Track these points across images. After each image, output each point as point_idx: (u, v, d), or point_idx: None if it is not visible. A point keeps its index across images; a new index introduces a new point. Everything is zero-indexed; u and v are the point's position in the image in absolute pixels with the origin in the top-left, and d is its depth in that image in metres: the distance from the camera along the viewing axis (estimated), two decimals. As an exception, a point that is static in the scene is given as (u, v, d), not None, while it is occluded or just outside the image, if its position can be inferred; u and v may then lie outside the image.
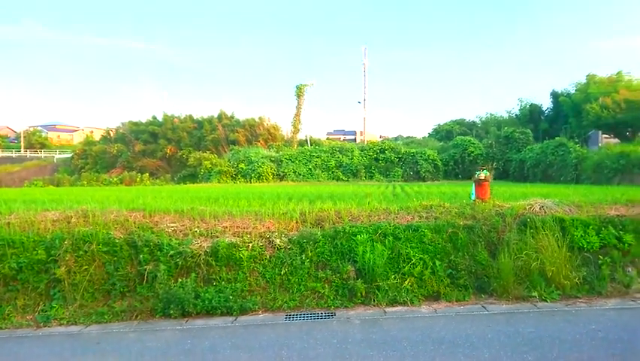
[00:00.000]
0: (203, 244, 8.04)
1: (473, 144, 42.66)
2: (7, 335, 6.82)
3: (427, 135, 74.45)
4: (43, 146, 73.63)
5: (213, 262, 7.79)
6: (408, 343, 5.75)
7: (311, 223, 8.78)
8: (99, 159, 54.15)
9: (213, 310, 7.27)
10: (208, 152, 47.27)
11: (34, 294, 7.62)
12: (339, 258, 8.07)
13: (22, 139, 74.45)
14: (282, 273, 7.88)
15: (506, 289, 7.59)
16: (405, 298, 7.54)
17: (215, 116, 56.29)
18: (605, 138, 50.17)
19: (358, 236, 8.19)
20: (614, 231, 8.30)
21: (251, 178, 39.60)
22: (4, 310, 7.40)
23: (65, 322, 7.25)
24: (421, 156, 42.08)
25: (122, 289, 7.67)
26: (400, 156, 42.67)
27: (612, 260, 7.98)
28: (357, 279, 7.76)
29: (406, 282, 7.80)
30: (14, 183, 45.76)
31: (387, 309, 7.31)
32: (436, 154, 42.72)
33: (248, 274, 7.81)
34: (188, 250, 7.82)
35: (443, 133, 69.53)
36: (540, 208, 8.97)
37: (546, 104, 63.17)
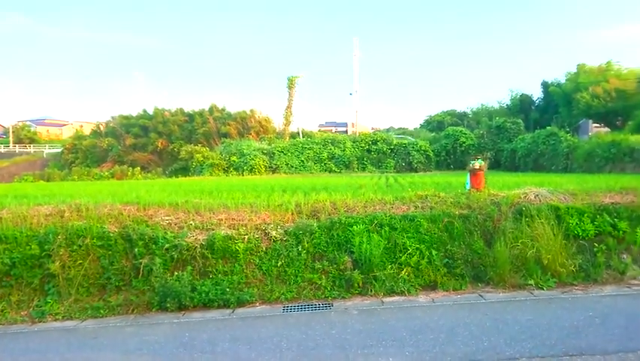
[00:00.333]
0: (199, 236, 7.99)
1: (465, 134, 42.75)
2: (1, 331, 6.75)
3: (418, 126, 74.62)
4: (32, 141, 72.86)
5: (209, 255, 7.75)
6: (407, 332, 5.75)
7: (306, 215, 8.75)
8: (89, 154, 53.74)
9: (210, 303, 7.23)
10: (199, 145, 47.02)
11: (29, 289, 7.55)
12: (335, 249, 8.05)
13: (10, 134, 73.61)
14: (278, 265, 7.85)
15: (503, 277, 7.61)
16: (402, 288, 7.55)
17: (207, 109, 56.02)
18: (596, 127, 50.42)
19: (354, 227, 8.17)
20: (608, 218, 8.34)
21: (243, 171, 39.46)
22: (-2, 306, 7.33)
23: (61, 317, 7.19)
24: (413, 147, 42.13)
25: (117, 284, 7.62)
26: (392, 147, 42.68)
27: (607, 247, 8.02)
28: (354, 270, 7.75)
29: (403, 272, 7.80)
30: (3, 179, 45.23)
31: (384, 299, 7.31)
32: (427, 145, 42.79)
33: (244, 267, 7.78)
34: (184, 243, 7.77)
35: (435, 124, 69.70)
36: (535, 197, 8.99)
37: (536, 94, 63.45)
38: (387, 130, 72.08)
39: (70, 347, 5.99)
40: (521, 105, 63.20)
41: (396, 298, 7.35)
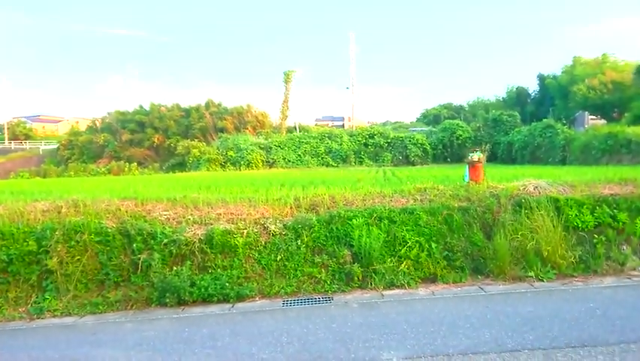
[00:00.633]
0: (198, 231, 7.95)
1: (461, 127, 42.78)
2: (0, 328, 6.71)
3: (414, 120, 74.57)
4: (27, 137, 72.60)
5: (208, 250, 7.71)
6: (408, 325, 5.73)
7: (305, 209, 8.71)
8: (86, 150, 53.58)
9: (210, 297, 7.20)
10: (196, 140, 46.88)
11: (26, 286, 7.50)
12: (335, 242, 8.02)
13: (5, 130, 73.28)
14: (278, 259, 7.82)
15: (503, 269, 7.60)
16: (402, 281, 7.53)
17: (203, 104, 55.84)
18: (592, 119, 50.49)
19: (354, 220, 8.14)
20: (608, 210, 8.32)
21: (240, 166, 39.43)
22: (-4, 302, 7.28)
23: (59, 313, 7.15)
24: (410, 141, 42.13)
25: (116, 279, 7.57)
26: (389, 140, 42.68)
27: (607, 239, 8.01)
28: (354, 263, 7.72)
29: (403, 265, 7.78)
30: (-1, 176, 45.07)
31: (384, 292, 7.29)
32: (424, 138, 42.80)
33: (243, 261, 7.74)
34: (182, 238, 7.73)
35: (431, 117, 69.63)
36: (534, 189, 8.97)
37: (532, 87, 63.55)
38: (384, 124, 72.02)
39: (69, 344, 5.95)
40: (517, 98, 63.29)
41: (396, 291, 7.34)
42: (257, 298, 7.34)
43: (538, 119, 39.58)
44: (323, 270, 7.74)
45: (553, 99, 56.19)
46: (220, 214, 8.43)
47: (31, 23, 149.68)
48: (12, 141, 69.18)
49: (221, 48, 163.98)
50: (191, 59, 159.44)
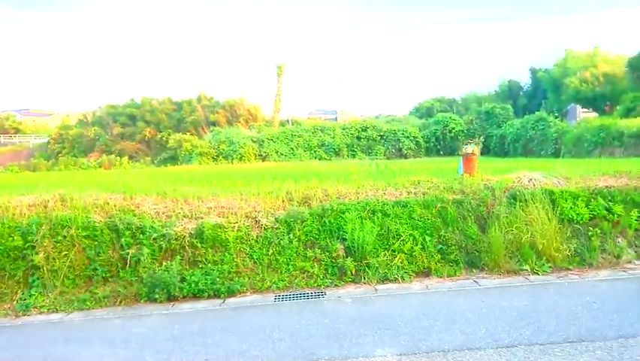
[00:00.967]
0: (188, 225, 7.80)
1: (454, 120, 42.79)
2: (-16, 326, 6.54)
3: (407, 113, 74.39)
4: (17, 131, 71.73)
5: (198, 244, 7.56)
6: (402, 320, 5.62)
7: (298, 202, 8.57)
8: (76, 143, 53.03)
9: (200, 293, 7.05)
10: (188, 133, 46.53)
11: (12, 282, 7.32)
12: (327, 236, 7.90)
13: (-6, 124, 72.39)
14: (269, 253, 7.68)
15: (497, 263, 7.51)
16: (396, 275, 7.41)
17: (195, 97, 55.45)
18: (584, 112, 50.67)
19: (347, 213, 8.02)
20: (603, 202, 8.24)
21: (232, 159, 39.21)
22: (-20, 299, 7.11)
23: (46, 310, 6.97)
24: (403, 134, 42.08)
25: (104, 275, 7.41)
26: (382, 133, 42.60)
27: (602, 231, 7.93)
28: (347, 257, 7.60)
29: (397, 259, 7.67)
30: (-12, 170, 44.52)
31: (378, 287, 7.17)
32: (417, 131, 42.76)
33: (234, 256, 7.60)
34: (172, 233, 7.57)
35: (424, 110, 69.49)
36: (529, 181, 8.88)
37: (524, 80, 63.74)
38: (377, 117, 71.88)
39: (56, 342, 5.79)
40: (510, 91, 63.47)
41: (389, 285, 7.22)
42: (248, 293, 7.21)
43: (531, 112, 39.69)
44: (315, 264, 7.61)
45: (545, 92, 56.38)
46: (211, 208, 8.28)
47: (17, 15, 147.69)
48: (1, 135, 68.39)
49: (214, 40, 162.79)
50: (183, 51, 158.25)
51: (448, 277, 7.44)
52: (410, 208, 8.23)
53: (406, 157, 39.54)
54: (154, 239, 7.50)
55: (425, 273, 7.60)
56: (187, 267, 7.42)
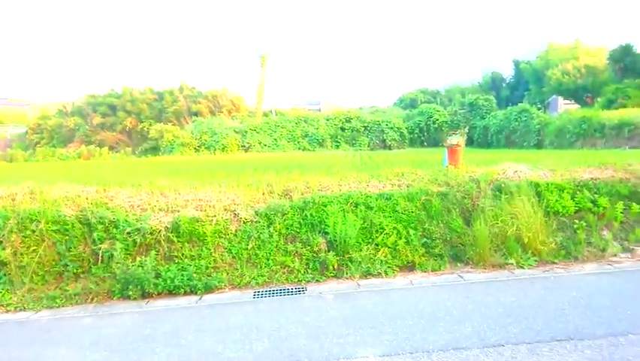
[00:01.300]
0: (163, 219, 7.49)
1: (438, 111, 42.79)
2: (-54, 326, 6.19)
3: (391, 104, 74.32)
4: (-6, 121, 70.04)
5: (175, 239, 7.27)
6: (385, 318, 5.41)
7: (278, 194, 8.31)
8: (55, 134, 51.87)
9: (176, 289, 6.77)
10: (170, 124, 45.82)
11: (-23, 279, 6.97)
12: (309, 230, 7.66)
13: (-30, 114, 70.57)
14: (249, 247, 7.42)
15: (482, 257, 7.34)
16: (379, 270, 7.20)
17: (177, 87, 54.62)
18: (565, 103, 51.05)
19: (329, 206, 7.78)
20: (588, 194, 8.13)
21: (215, 150, 38.73)
22: (-57, 298, 6.74)
23: (13, 308, 6.63)
24: (387, 125, 41.96)
25: (75, 271, 7.08)
26: (366, 124, 42.44)
27: (588, 224, 7.81)
28: (329, 251, 7.37)
29: (380, 253, 7.46)
30: (-37, 161, 43.35)
31: (360, 282, 6.96)
32: (401, 122, 42.67)
33: (212, 250, 7.32)
34: (147, 226, 7.26)
35: (407, 102, 69.45)
36: (514, 173, 8.73)
37: (507, 72, 64.15)
38: (360, 108, 71.65)
39: (20, 342, 5.48)
40: (493, 83, 63.84)
41: (372, 280, 7.01)
42: (226, 290, 6.94)
43: (514, 104, 39.87)
44: (296, 259, 7.37)
45: (527, 84, 56.82)
46: (188, 201, 7.97)
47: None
48: (-23, 125, 66.70)
49: (196, 30, 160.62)
50: (164, 41, 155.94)
51: (432, 271, 7.26)
52: (394, 201, 8.02)
53: (390, 148, 39.43)
54: (128, 233, 7.18)
55: (409, 267, 7.40)
56: (162, 262, 7.12)
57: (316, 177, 9.09)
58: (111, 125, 51.91)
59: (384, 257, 7.42)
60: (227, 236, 7.47)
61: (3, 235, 7.10)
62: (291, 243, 7.54)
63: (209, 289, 6.85)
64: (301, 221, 7.73)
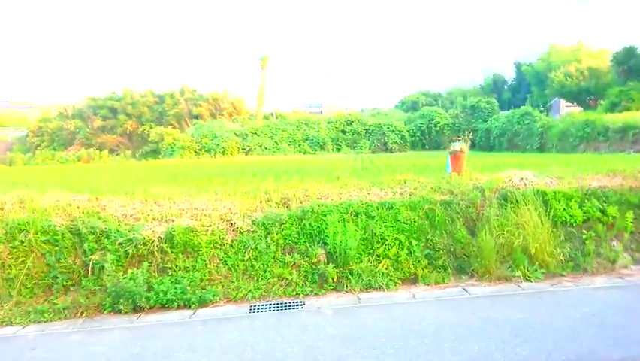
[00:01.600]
0: (157, 229, 7.22)
1: (440, 114, 42.52)
2: None
3: (392, 107, 74.11)
4: (-5, 123, 69.87)
5: (168, 249, 7.00)
6: (387, 337, 5.13)
7: (276, 203, 8.04)
8: (56, 136, 51.72)
9: (169, 303, 6.50)
10: (170, 127, 45.62)
11: (-38, 292, 6.70)
12: (307, 240, 7.38)
13: (-29, 117, 70.42)
14: (245, 259, 7.15)
15: (488, 269, 7.06)
16: (380, 283, 6.93)
17: (177, 90, 54.45)
18: (567, 106, 50.79)
19: (328, 216, 7.51)
20: (597, 203, 7.85)
21: (215, 153, 38.51)
22: None
23: (-1, 323, 6.38)
24: (388, 127, 41.72)
25: (64, 283, 6.82)
26: (367, 127, 42.20)
27: (597, 234, 7.54)
28: (328, 263, 7.09)
29: (381, 265, 7.19)
30: (-37, 164, 43.14)
31: (361, 295, 6.69)
32: (403, 125, 42.43)
33: (207, 262, 7.05)
34: (140, 237, 7.00)
35: (409, 104, 69.27)
36: (520, 180, 8.45)
37: (509, 74, 64.04)
38: (362, 111, 71.45)
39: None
40: (494, 85, 63.69)
41: (373, 293, 6.74)
42: (221, 303, 6.67)
43: (515, 107, 39.65)
44: (294, 271, 7.10)
45: (529, 86, 56.60)
46: (183, 210, 7.71)
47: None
48: (-22, 128, 66.51)
49: (197, 32, 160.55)
50: (166, 44, 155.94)
51: (435, 284, 6.99)
52: (396, 210, 7.75)
53: (391, 151, 39.17)
54: (120, 244, 6.92)
55: (412, 280, 7.13)
56: (155, 274, 6.85)
57: (316, 184, 8.84)
58: (112, 128, 51.80)
59: (386, 269, 7.15)
60: (223, 247, 7.21)
61: (-10, 246, 6.84)
62: (289, 254, 7.27)
63: (203, 302, 6.58)
64: (300, 231, 7.46)
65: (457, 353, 4.66)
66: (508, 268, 7.11)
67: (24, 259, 6.84)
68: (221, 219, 7.53)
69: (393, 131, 41.41)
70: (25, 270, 6.78)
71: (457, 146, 9.57)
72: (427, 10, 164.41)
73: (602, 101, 38.50)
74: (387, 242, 7.33)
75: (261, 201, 8.06)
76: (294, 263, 7.16)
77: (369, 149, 40.40)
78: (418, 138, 41.72)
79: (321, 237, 7.37)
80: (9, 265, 6.79)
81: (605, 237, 7.57)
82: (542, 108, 40.95)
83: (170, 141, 40.95)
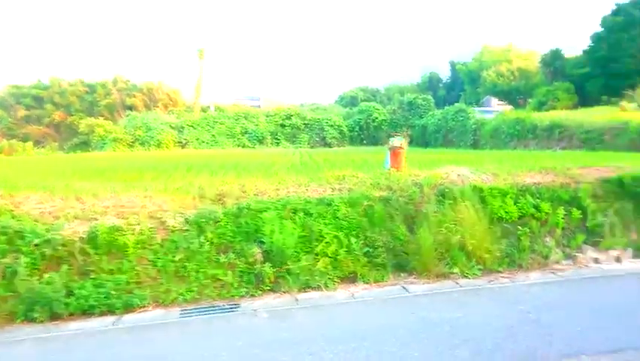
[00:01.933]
0: (79, 228, 6.65)
1: (378, 110, 43.05)
2: None
3: (332, 102, 74.50)
4: None
5: (91, 251, 6.44)
6: (325, 341, 4.90)
7: (211, 199, 7.65)
8: (-24, 127, 48.35)
9: (91, 309, 5.99)
10: (102, 118, 43.56)
11: None
12: (243, 239, 7.04)
13: None
14: (176, 260, 6.70)
15: (427, 266, 7.00)
16: (319, 282, 6.71)
17: (110, 80, 52.15)
18: (499, 104, 52.77)
19: (265, 213, 7.20)
20: (531, 199, 7.98)
21: (150, 146, 37.15)
22: None
23: None
24: (327, 122, 41.81)
25: (-30, 290, 6.15)
26: (306, 122, 42.10)
27: (531, 231, 7.65)
28: (265, 262, 6.79)
29: (320, 263, 6.95)
30: None
31: (299, 296, 6.44)
32: (341, 120, 42.66)
33: (135, 263, 6.53)
34: (59, 237, 6.41)
35: (348, 99, 69.85)
36: (457, 177, 8.48)
37: (444, 72, 65.97)
38: (301, 105, 71.31)
39: None
40: (430, 83, 65.40)
41: (312, 294, 6.50)
42: (150, 308, 6.21)
43: (450, 104, 40.73)
44: (229, 271, 6.73)
45: (463, 84, 58.47)
46: (108, 207, 7.17)
47: None
48: None
49: (132, 19, 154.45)
50: (98, 33, 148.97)
51: (375, 282, 6.85)
52: (335, 207, 7.56)
53: (330, 146, 39.27)
54: (36, 245, 6.30)
55: (351, 278, 6.95)
56: (76, 278, 6.30)
57: (253, 179, 8.52)
58: (37, 119, 48.99)
59: (325, 268, 6.93)
60: (153, 247, 6.73)
61: None
62: (224, 254, 6.89)
63: (129, 308, 6.10)
64: (235, 229, 7.10)
65: (398, 358, 4.50)
66: (447, 265, 7.08)
67: None
68: (151, 217, 7.06)
69: (332, 126, 41.55)
70: None
71: (396, 142, 9.52)
72: (367, 7, 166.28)
73: (530, 100, 40.20)
74: (325, 240, 7.11)
75: (194, 198, 7.64)
76: (229, 263, 6.79)
77: (308, 143, 40.35)
78: (356, 133, 42.06)
79: (258, 235, 7.05)
80: None
81: (539, 233, 7.70)
82: (475, 106, 42.29)
83: (101, 132, 39.15)
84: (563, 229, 7.84)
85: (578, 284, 6.59)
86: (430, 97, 44.66)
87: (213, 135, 40.62)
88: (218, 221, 7.11)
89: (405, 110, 42.25)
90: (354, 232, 7.34)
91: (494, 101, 53.46)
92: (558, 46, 41.60)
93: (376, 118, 41.89)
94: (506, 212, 7.78)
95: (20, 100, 49.56)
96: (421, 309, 5.77)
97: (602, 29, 36.97)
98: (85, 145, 40.49)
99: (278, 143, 40.46)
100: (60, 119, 48.91)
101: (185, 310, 6.10)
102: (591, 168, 9.20)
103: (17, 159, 28.05)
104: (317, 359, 4.54)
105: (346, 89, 75.20)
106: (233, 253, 6.90)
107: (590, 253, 7.62)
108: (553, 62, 41.23)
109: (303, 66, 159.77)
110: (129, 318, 5.91)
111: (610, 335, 4.82)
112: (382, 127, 40.94)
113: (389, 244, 7.37)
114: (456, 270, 7.00)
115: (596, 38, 37.43)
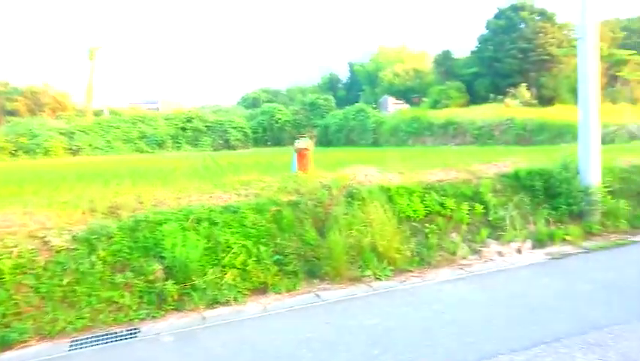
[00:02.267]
0: (-60, 255, 5.71)
1: (280, 110, 43.07)
2: None
3: (234, 104, 73.46)
4: None
5: (-44, 281, 5.56)
6: (236, 364, 4.52)
7: (103, 213, 6.92)
8: None
9: (-44, 351, 5.14)
10: (-24, 125, 39.54)
11: None
12: (142, 255, 6.41)
13: None
14: (63, 283, 5.93)
15: (339, 271, 6.79)
16: (227, 297, 6.25)
17: (-14, 83, 47.57)
18: (395, 103, 54.70)
19: (165, 225, 6.63)
20: (437, 197, 8.09)
21: (36, 154, 34.22)
22: None
23: None
24: (230, 124, 41.08)
25: None
26: (209, 124, 41.09)
27: (438, 228, 7.73)
28: (167, 279, 6.21)
29: (228, 276, 6.50)
30: None
31: (206, 313, 5.95)
32: (244, 122, 42.14)
33: (12, 292, 5.71)
34: None
35: (250, 101, 69.23)
36: (365, 177, 8.41)
37: (344, 73, 67.56)
38: (202, 107, 69.55)
39: None
40: (330, 83, 66.65)
41: (220, 310, 6.04)
42: (32, 342, 5.41)
43: (350, 104, 41.74)
44: (126, 292, 6.08)
45: (361, 85, 60.19)
46: (-22, 229, 6.24)
47: None
48: None
49: (12, 17, 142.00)
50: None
51: (287, 292, 6.52)
52: (241, 214, 7.15)
53: (234, 148, 38.57)
54: None
55: (261, 290, 6.57)
56: (-63, 315, 5.38)
57: (151, 188, 7.88)
58: None
59: (233, 280, 6.49)
60: (34, 271, 5.91)
61: None
62: (120, 273, 6.22)
63: (7, 344, 5.28)
64: (132, 245, 6.45)
65: (315, 375, 4.23)
66: (359, 268, 6.93)
67: None
68: (32, 236, 6.22)
69: (235, 128, 40.95)
70: None
71: (301, 143, 9.30)
72: (267, 8, 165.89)
73: (425, 99, 42.06)
74: (233, 250, 6.68)
75: (84, 212, 6.88)
76: (126, 283, 6.14)
77: (211, 146, 39.44)
78: (260, 135, 41.80)
79: (158, 250, 6.46)
80: None
81: (445, 229, 7.81)
82: (375, 105, 43.54)
83: (-25, 141, 35.42)
84: (467, 224, 8.02)
85: (486, 278, 6.70)
86: (330, 97, 45.43)
87: (108, 141, 38.36)
88: (112, 237, 6.43)
89: (307, 111, 42.61)
90: (263, 240, 6.98)
91: (391, 100, 55.42)
92: (449, 47, 44.09)
93: (279, 119, 41.84)
94: (414, 210, 7.82)
95: None
96: (335, 317, 5.55)
97: (487, 31, 39.56)
98: (-42, 155, 36.51)
99: (179, 147, 39.05)
100: None
101: (76, 340, 5.39)
102: (489, 164, 9.56)
103: None
104: (228, 386, 4.14)
105: (248, 91, 74.52)
106: (131, 271, 6.26)
107: (494, 246, 7.84)
108: (445, 63, 43.54)
109: (203, 68, 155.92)
110: (7, 357, 5.11)
111: (523, 332, 4.86)
112: (286, 128, 40.96)
113: (300, 250, 7.09)
114: (368, 272, 6.87)
115: (482, 40, 40.03)
